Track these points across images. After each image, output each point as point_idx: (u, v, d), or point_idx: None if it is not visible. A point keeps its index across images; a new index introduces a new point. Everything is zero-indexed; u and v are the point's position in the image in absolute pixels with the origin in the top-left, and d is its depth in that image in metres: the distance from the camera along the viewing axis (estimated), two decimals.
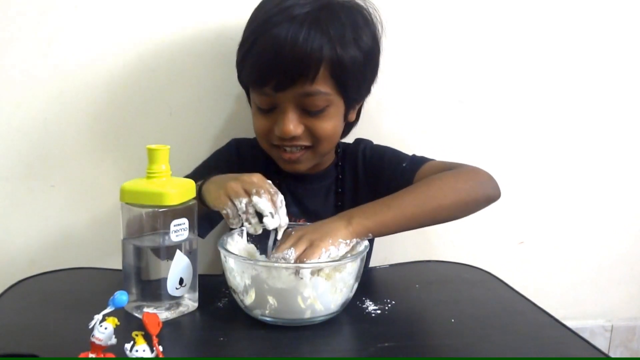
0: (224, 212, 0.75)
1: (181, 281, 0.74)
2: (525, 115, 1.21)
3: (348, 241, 0.76)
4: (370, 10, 0.92)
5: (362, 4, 0.92)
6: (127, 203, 0.73)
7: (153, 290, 0.73)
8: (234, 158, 1.02)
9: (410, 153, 1.00)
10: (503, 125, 1.20)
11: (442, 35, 1.14)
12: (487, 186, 0.89)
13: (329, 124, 0.90)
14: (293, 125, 0.87)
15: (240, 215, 0.75)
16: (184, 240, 0.74)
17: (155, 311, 0.72)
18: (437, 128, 1.18)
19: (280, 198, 0.76)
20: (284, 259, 0.71)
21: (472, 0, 1.14)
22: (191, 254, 0.75)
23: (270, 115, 0.90)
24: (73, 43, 1.03)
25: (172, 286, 0.73)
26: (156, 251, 0.73)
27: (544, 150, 1.23)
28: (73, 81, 1.04)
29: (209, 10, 1.05)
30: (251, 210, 0.74)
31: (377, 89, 1.00)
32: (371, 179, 0.99)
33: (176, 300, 0.75)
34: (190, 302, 0.77)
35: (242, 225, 0.76)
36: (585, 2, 1.18)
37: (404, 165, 0.95)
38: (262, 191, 0.74)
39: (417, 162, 0.95)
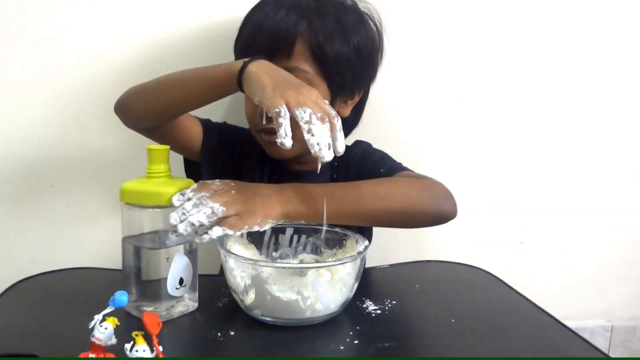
0: (276, 110, 0.69)
1: (181, 281, 0.74)
2: (526, 115, 1.21)
3: (275, 221, 0.75)
4: (372, 13, 0.94)
5: (361, 5, 0.93)
6: (127, 203, 0.73)
7: (153, 290, 0.73)
8: (236, 142, 1.02)
9: (409, 154, 1.00)
10: (503, 125, 1.20)
11: (441, 35, 1.14)
12: (442, 202, 0.84)
13: None
14: None
15: (287, 122, 0.68)
16: (184, 241, 0.74)
17: (155, 311, 0.72)
18: (437, 128, 1.18)
19: (339, 125, 0.71)
20: (213, 213, 0.70)
21: (471, 0, 1.14)
22: (191, 254, 0.75)
23: None
24: (73, 43, 1.03)
25: (172, 286, 0.73)
26: (156, 251, 0.73)
27: (544, 151, 1.23)
28: (73, 81, 1.04)
29: (209, 10, 1.05)
30: (315, 121, 0.69)
31: (376, 88, 1.00)
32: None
33: (176, 300, 0.75)
34: (190, 302, 0.77)
35: (274, 135, 0.69)
36: (585, 2, 1.18)
37: (381, 170, 0.94)
38: (327, 118, 0.70)
39: (393, 169, 0.93)
